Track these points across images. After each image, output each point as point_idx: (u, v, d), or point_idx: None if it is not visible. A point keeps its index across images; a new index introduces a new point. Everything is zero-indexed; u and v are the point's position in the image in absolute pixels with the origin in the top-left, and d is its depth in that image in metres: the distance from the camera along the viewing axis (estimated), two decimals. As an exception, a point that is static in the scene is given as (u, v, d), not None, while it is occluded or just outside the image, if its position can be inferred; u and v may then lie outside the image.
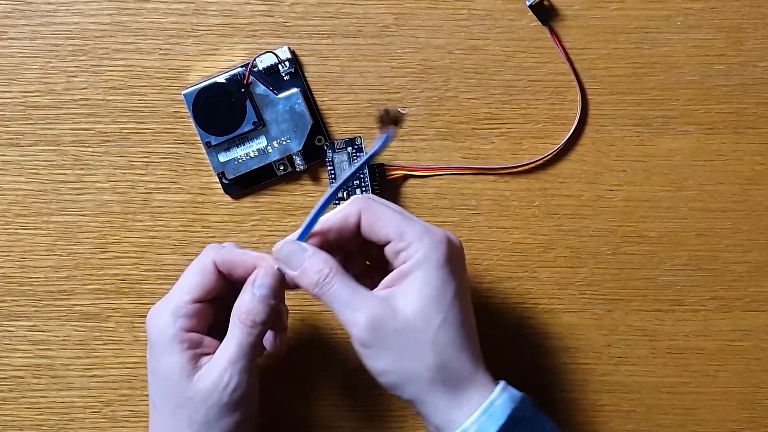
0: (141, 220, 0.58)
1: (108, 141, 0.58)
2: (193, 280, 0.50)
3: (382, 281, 0.48)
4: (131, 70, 0.58)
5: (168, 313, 0.49)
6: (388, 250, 0.48)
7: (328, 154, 0.57)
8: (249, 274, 0.49)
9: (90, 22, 0.58)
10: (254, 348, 0.48)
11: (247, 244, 0.58)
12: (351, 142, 0.57)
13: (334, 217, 0.49)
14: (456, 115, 0.58)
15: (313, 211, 0.48)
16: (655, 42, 0.58)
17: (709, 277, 0.58)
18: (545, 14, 0.58)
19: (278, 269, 0.49)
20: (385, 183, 0.58)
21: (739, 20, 0.58)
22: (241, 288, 0.49)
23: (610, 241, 0.58)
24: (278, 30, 0.58)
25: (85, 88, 0.58)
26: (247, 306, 0.48)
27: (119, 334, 0.59)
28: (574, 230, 0.58)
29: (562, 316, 0.58)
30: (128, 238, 0.59)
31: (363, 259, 0.52)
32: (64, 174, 0.58)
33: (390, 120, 0.47)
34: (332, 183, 0.57)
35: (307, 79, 0.58)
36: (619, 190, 0.58)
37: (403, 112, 0.47)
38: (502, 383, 0.48)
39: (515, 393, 0.47)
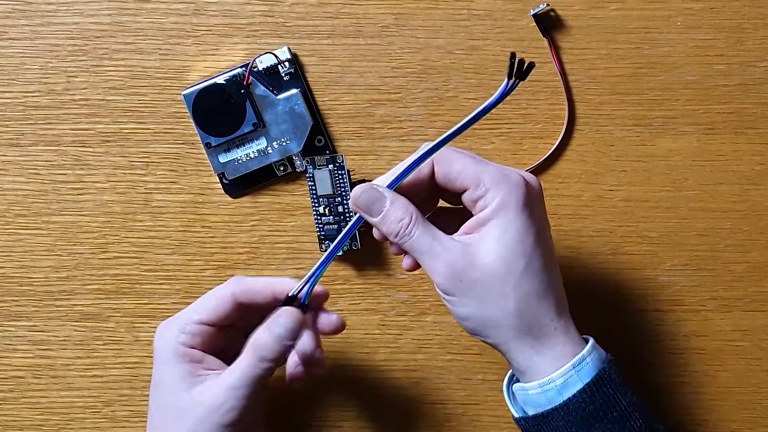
0: (141, 220, 0.58)
1: (108, 141, 0.58)
2: (207, 303, 0.50)
3: (462, 227, 0.48)
4: (131, 70, 0.58)
5: (174, 327, 0.49)
6: (466, 198, 0.48)
7: (308, 170, 0.57)
8: (268, 303, 0.49)
9: (90, 22, 0.58)
10: (260, 380, 0.48)
11: (246, 244, 0.58)
12: (332, 159, 0.57)
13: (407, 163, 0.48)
14: (456, 115, 0.58)
15: (409, 160, 0.47)
16: (655, 42, 0.58)
17: (709, 277, 0.58)
18: (548, 23, 0.58)
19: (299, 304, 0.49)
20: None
21: (739, 20, 0.58)
22: (263, 316, 0.49)
23: (610, 241, 0.58)
24: (278, 30, 0.58)
25: (85, 88, 0.58)
26: (261, 340, 0.48)
27: (119, 334, 0.59)
28: (574, 230, 0.58)
29: (562, 316, 0.58)
30: (128, 238, 0.59)
31: (436, 202, 0.52)
32: (64, 174, 0.58)
33: (520, 70, 0.45)
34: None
35: (308, 79, 0.58)
36: (619, 190, 0.58)
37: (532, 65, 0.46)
38: (592, 341, 0.48)
39: (603, 353, 0.48)
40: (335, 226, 0.57)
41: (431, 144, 0.46)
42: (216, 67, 0.58)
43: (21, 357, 0.59)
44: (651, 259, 0.58)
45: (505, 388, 0.50)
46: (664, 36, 0.58)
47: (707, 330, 0.58)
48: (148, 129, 0.58)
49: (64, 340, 0.59)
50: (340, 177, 0.57)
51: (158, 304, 0.58)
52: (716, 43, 0.58)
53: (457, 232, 0.48)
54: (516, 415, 0.49)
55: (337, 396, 0.59)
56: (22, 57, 0.58)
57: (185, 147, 0.58)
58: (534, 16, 0.57)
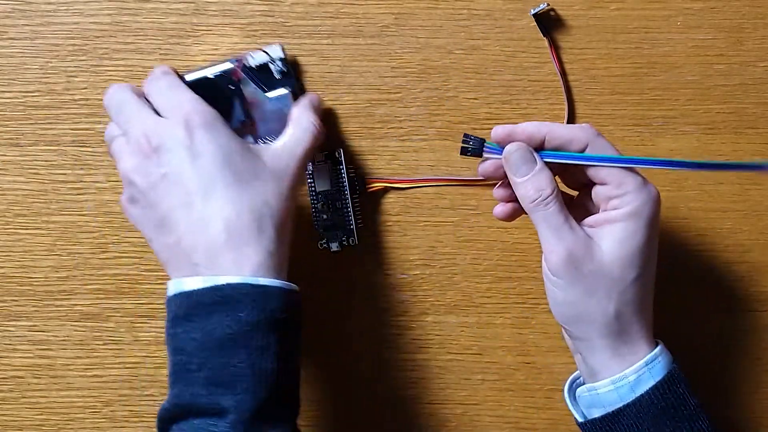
0: (141, 220, 0.58)
1: (108, 141, 0.58)
2: None
3: (586, 219, 0.49)
4: (131, 70, 0.58)
5: None
6: (599, 191, 0.48)
7: (308, 167, 0.57)
8: None
9: (90, 22, 0.58)
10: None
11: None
12: (331, 155, 0.57)
13: (559, 131, 0.49)
14: (456, 115, 0.58)
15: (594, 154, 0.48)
16: (655, 42, 0.58)
17: (709, 277, 0.58)
18: (548, 23, 0.58)
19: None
20: (366, 195, 0.58)
21: (739, 20, 0.58)
22: None
23: (610, 241, 0.58)
24: (278, 30, 0.58)
25: (85, 88, 0.58)
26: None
27: (119, 334, 0.59)
28: (574, 230, 0.58)
29: (562, 316, 0.58)
30: (128, 238, 0.59)
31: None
32: (64, 174, 0.58)
33: None
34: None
35: (304, 78, 0.58)
36: (619, 190, 0.58)
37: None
38: (662, 343, 0.49)
39: (670, 356, 0.49)
40: (332, 223, 0.57)
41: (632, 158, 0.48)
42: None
43: (21, 357, 0.59)
44: (651, 259, 0.58)
45: (566, 392, 0.52)
46: (664, 36, 0.58)
47: (707, 330, 0.58)
48: (148, 129, 0.58)
49: (64, 340, 0.59)
50: (339, 173, 0.57)
51: (158, 304, 0.58)
52: (716, 43, 0.58)
53: (583, 222, 0.49)
54: (580, 420, 0.50)
55: (337, 396, 0.59)
56: (22, 57, 0.58)
57: (185, 147, 0.58)
58: (534, 15, 0.57)
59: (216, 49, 0.58)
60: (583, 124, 0.49)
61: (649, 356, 0.48)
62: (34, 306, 0.59)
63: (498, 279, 0.58)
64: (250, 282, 0.47)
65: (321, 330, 0.59)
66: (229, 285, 0.46)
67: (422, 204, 0.58)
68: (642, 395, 0.47)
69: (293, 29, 0.58)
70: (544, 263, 0.48)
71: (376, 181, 0.58)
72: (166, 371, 0.58)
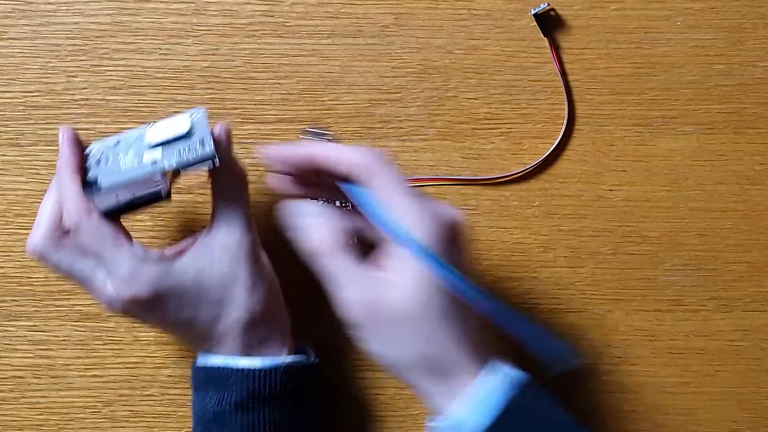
0: (141, 220, 0.58)
1: (108, 141, 0.58)
2: None
3: (377, 254, 0.47)
4: (131, 70, 0.58)
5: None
6: None
7: None
8: None
9: (90, 22, 0.58)
10: None
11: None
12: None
13: (334, 158, 0.46)
14: (456, 115, 0.58)
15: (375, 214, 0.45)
16: (655, 42, 0.58)
17: (709, 277, 0.58)
18: (548, 23, 0.58)
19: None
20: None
21: (739, 20, 0.58)
22: None
23: (610, 241, 0.58)
24: (278, 30, 0.58)
25: (85, 88, 0.58)
26: None
27: (119, 334, 0.59)
28: (574, 230, 0.58)
29: (562, 316, 0.58)
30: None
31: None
32: (64, 174, 0.58)
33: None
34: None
35: (307, 78, 0.58)
36: (619, 190, 0.58)
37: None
38: (499, 372, 0.45)
39: (514, 379, 0.45)
40: None
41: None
42: (215, 67, 0.58)
43: (21, 357, 0.59)
44: (651, 259, 0.58)
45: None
46: (664, 36, 0.58)
47: (707, 330, 0.58)
48: (148, 129, 0.58)
49: (64, 340, 0.59)
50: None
51: (158, 304, 0.58)
52: (716, 43, 0.58)
53: (372, 261, 0.46)
54: None
55: (337, 396, 0.59)
56: (22, 57, 0.58)
57: (185, 147, 0.58)
58: (534, 15, 0.57)
59: (216, 49, 0.58)
60: (364, 150, 0.46)
61: (478, 394, 0.44)
62: (34, 306, 0.59)
63: (498, 279, 0.58)
64: (230, 366, 0.50)
65: (321, 330, 0.59)
66: (215, 366, 0.50)
67: (422, 204, 0.58)
68: None
69: (293, 29, 0.58)
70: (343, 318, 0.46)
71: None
72: (166, 371, 0.58)
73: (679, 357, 0.58)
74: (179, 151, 0.49)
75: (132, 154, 0.49)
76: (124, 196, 0.50)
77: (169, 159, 0.48)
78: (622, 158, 0.58)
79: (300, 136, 0.48)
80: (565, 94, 0.58)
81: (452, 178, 0.58)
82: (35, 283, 0.59)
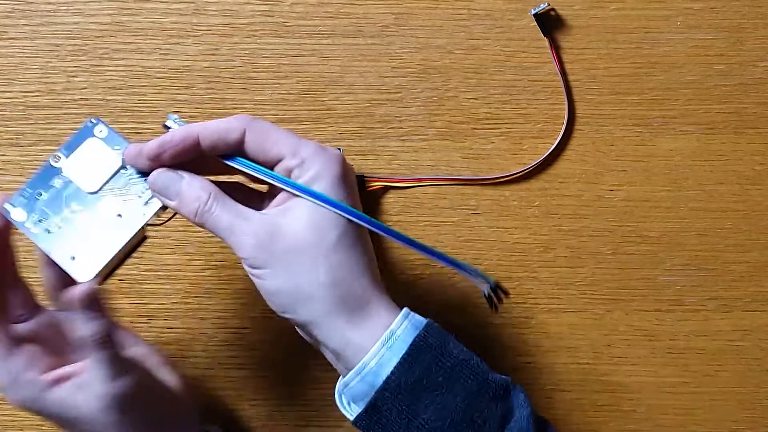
0: (141, 220, 0.58)
1: (108, 141, 0.58)
2: None
3: (273, 201, 0.47)
4: (131, 70, 0.58)
5: None
6: (280, 168, 0.47)
7: None
8: None
9: (90, 22, 0.58)
10: None
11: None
12: None
13: (211, 127, 0.46)
14: (456, 115, 0.58)
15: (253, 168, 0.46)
16: (655, 42, 0.58)
17: (709, 277, 0.58)
18: (548, 23, 0.58)
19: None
20: (366, 195, 0.58)
21: (739, 20, 0.58)
22: None
23: (610, 241, 0.58)
24: (278, 30, 0.58)
25: (85, 88, 0.58)
26: None
27: (119, 334, 0.59)
28: (574, 230, 0.58)
29: (562, 316, 0.58)
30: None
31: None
32: (64, 174, 0.58)
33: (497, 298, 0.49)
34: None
35: (307, 78, 0.58)
36: (619, 190, 0.58)
37: None
38: (404, 311, 0.46)
39: (419, 320, 0.46)
40: None
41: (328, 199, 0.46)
42: (216, 66, 0.58)
43: (21, 357, 0.59)
44: (651, 259, 0.58)
45: (337, 396, 0.47)
46: (664, 36, 0.58)
47: (707, 330, 0.58)
48: (148, 129, 0.58)
49: (64, 340, 0.59)
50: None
51: (158, 304, 0.58)
52: (716, 43, 0.58)
53: (268, 207, 0.47)
54: (351, 418, 0.46)
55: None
56: (22, 57, 0.58)
57: (185, 147, 0.58)
58: (534, 15, 0.57)
59: (216, 49, 0.58)
60: (237, 115, 0.47)
61: (385, 334, 0.45)
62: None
63: (498, 279, 0.58)
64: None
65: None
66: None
67: (422, 204, 0.58)
68: (388, 378, 0.44)
69: (293, 29, 0.58)
70: (243, 265, 0.46)
71: (376, 180, 0.58)
72: (166, 371, 0.58)
73: (679, 357, 0.58)
74: (143, 189, 0.48)
75: (83, 211, 0.47)
76: (112, 259, 0.47)
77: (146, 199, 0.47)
78: (622, 158, 0.58)
79: (163, 125, 0.47)
80: (565, 94, 0.58)
81: (452, 178, 0.58)
82: (35, 283, 0.59)
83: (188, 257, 0.58)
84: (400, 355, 0.44)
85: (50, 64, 0.58)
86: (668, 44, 0.58)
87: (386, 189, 0.58)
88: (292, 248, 0.45)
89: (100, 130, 0.48)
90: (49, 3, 0.58)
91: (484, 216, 0.58)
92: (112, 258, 0.47)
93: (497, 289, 0.49)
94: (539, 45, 0.58)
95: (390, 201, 0.58)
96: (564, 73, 0.58)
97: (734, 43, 0.58)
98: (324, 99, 0.58)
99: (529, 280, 0.58)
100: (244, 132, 0.46)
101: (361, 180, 0.58)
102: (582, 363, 0.58)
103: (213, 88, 0.58)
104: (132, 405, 0.47)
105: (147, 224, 0.48)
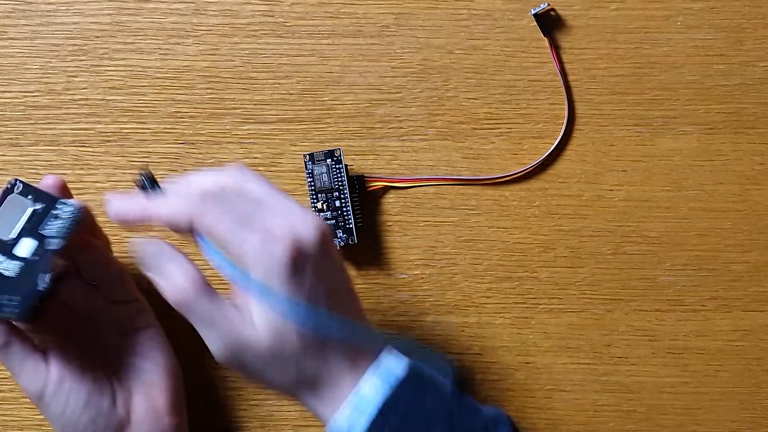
0: (141, 220, 0.58)
1: (108, 141, 0.59)
2: None
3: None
4: (131, 70, 0.58)
5: None
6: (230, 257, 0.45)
7: (308, 166, 0.57)
8: None
9: (90, 22, 0.58)
10: None
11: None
12: (330, 153, 0.57)
13: (162, 215, 0.45)
14: (456, 115, 0.58)
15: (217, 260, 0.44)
16: (655, 42, 0.58)
17: (709, 277, 0.58)
18: (548, 23, 0.58)
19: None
20: (365, 195, 0.58)
21: (739, 20, 0.58)
22: None
23: (610, 241, 0.58)
24: (278, 30, 0.58)
25: (85, 88, 0.58)
26: None
27: (119, 334, 0.59)
28: (574, 230, 0.58)
29: (562, 316, 0.58)
30: (129, 238, 0.58)
31: None
32: (64, 174, 0.58)
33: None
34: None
35: (307, 78, 0.58)
36: (619, 190, 0.58)
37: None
38: (377, 373, 0.45)
39: (390, 376, 0.45)
40: (333, 221, 0.57)
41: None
42: (216, 66, 0.58)
43: (21, 357, 0.59)
44: (651, 259, 0.58)
45: None
46: (664, 36, 0.58)
47: (707, 330, 0.58)
48: (148, 129, 0.58)
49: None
50: (338, 171, 0.57)
51: (158, 303, 0.58)
52: (716, 43, 0.58)
53: (231, 293, 0.46)
54: None
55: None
56: (22, 57, 0.58)
57: (185, 147, 0.58)
58: (534, 15, 0.57)
59: (216, 49, 0.58)
60: (176, 194, 0.45)
61: (352, 398, 0.44)
62: (34, 306, 0.59)
63: (498, 279, 0.58)
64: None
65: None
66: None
67: (422, 204, 0.58)
68: None
69: (293, 29, 0.58)
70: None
71: (375, 180, 0.58)
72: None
73: (679, 357, 0.58)
74: (48, 225, 0.47)
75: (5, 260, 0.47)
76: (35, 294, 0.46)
77: (49, 234, 0.47)
78: (622, 158, 0.58)
79: (134, 181, 0.48)
80: (565, 94, 0.58)
81: (452, 178, 0.58)
82: (35, 283, 0.59)
83: (188, 257, 0.58)
84: (370, 419, 0.44)
85: (50, 64, 0.58)
86: (668, 44, 0.58)
87: (386, 189, 0.58)
88: (259, 356, 0.44)
89: (18, 187, 0.48)
90: (49, 3, 0.58)
91: (484, 216, 0.58)
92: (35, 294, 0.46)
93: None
94: (539, 45, 0.58)
95: (390, 201, 0.58)
96: (564, 73, 0.58)
97: (734, 43, 0.58)
98: (324, 99, 0.58)
99: (529, 280, 0.58)
100: (191, 222, 0.45)
101: (361, 180, 0.58)
102: (582, 363, 0.58)
103: (213, 88, 0.58)
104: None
105: (56, 254, 0.47)
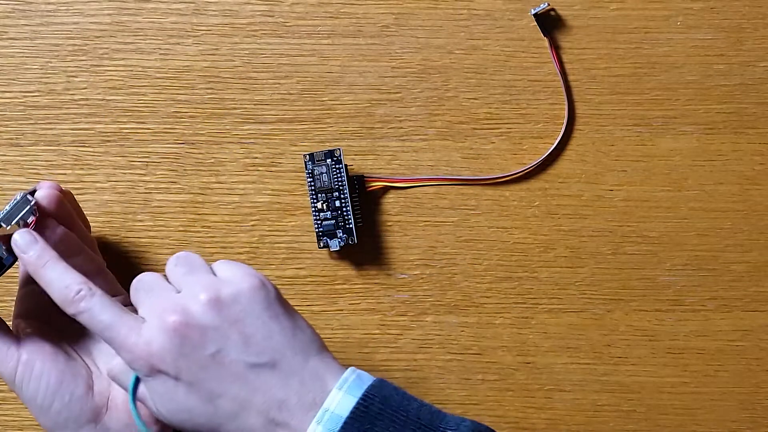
0: (141, 220, 0.58)
1: (108, 141, 0.59)
2: None
3: None
4: (131, 70, 0.58)
5: None
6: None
7: (308, 166, 0.57)
8: None
9: (90, 22, 0.58)
10: None
11: (246, 244, 0.58)
12: (330, 153, 0.57)
13: (51, 288, 0.46)
14: (456, 115, 0.58)
15: None
16: (655, 42, 0.58)
17: (709, 277, 0.58)
18: (548, 23, 0.58)
19: None
20: (365, 195, 0.58)
21: (739, 20, 0.58)
22: None
23: (610, 241, 0.58)
24: (278, 30, 0.58)
25: (85, 88, 0.58)
26: None
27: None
28: (574, 230, 0.58)
29: (562, 316, 0.58)
30: (128, 238, 0.59)
31: None
32: (64, 174, 0.58)
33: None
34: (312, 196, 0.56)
35: (307, 78, 0.58)
36: (619, 190, 0.58)
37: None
38: (320, 411, 0.43)
39: (335, 416, 0.43)
40: (333, 221, 0.57)
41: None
42: (216, 67, 0.58)
43: (21, 357, 0.59)
44: (651, 259, 0.58)
45: None
46: (664, 36, 0.58)
47: (707, 330, 0.58)
48: (148, 129, 0.58)
49: (64, 340, 0.59)
50: (338, 171, 0.57)
51: (158, 304, 0.58)
52: (716, 43, 0.58)
53: None
54: None
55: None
56: (22, 57, 0.58)
57: (185, 147, 0.58)
58: (534, 15, 0.57)
59: (216, 49, 0.58)
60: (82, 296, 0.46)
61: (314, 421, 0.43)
62: (34, 306, 0.59)
63: (498, 279, 0.58)
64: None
65: (320, 330, 0.59)
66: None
67: (422, 204, 0.58)
68: None
69: (293, 29, 0.58)
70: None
71: (375, 180, 0.58)
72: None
73: (679, 357, 0.58)
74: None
75: None
76: None
77: None
78: (622, 158, 0.58)
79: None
80: (565, 94, 0.58)
81: (452, 178, 0.58)
82: (35, 283, 0.59)
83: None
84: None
85: (50, 64, 0.58)
86: (668, 44, 0.58)
87: (386, 189, 0.58)
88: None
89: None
90: (49, 3, 0.58)
91: (484, 216, 0.58)
92: None
93: None
94: (539, 45, 0.58)
95: (390, 201, 0.58)
96: (564, 73, 0.58)
97: (734, 43, 0.58)
98: (324, 99, 0.58)
99: (529, 280, 0.58)
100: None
101: (361, 180, 0.58)
102: (582, 363, 0.58)
103: (213, 88, 0.58)
104: None
105: None
